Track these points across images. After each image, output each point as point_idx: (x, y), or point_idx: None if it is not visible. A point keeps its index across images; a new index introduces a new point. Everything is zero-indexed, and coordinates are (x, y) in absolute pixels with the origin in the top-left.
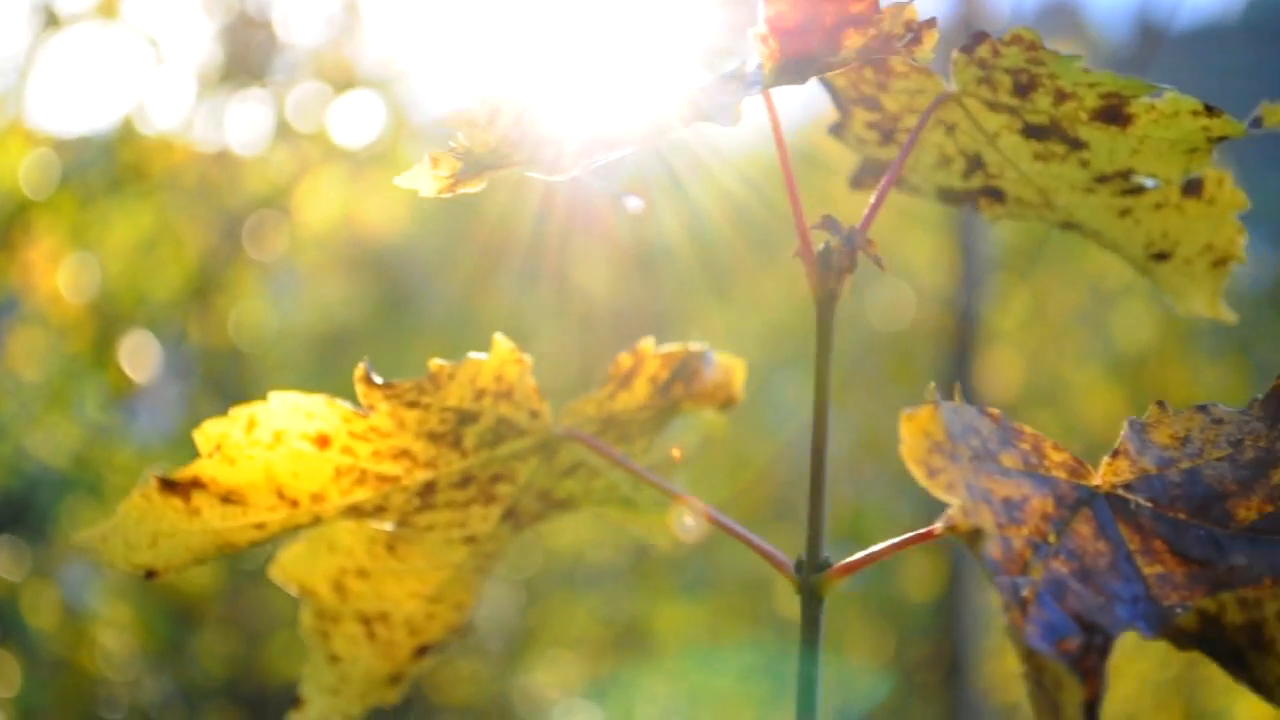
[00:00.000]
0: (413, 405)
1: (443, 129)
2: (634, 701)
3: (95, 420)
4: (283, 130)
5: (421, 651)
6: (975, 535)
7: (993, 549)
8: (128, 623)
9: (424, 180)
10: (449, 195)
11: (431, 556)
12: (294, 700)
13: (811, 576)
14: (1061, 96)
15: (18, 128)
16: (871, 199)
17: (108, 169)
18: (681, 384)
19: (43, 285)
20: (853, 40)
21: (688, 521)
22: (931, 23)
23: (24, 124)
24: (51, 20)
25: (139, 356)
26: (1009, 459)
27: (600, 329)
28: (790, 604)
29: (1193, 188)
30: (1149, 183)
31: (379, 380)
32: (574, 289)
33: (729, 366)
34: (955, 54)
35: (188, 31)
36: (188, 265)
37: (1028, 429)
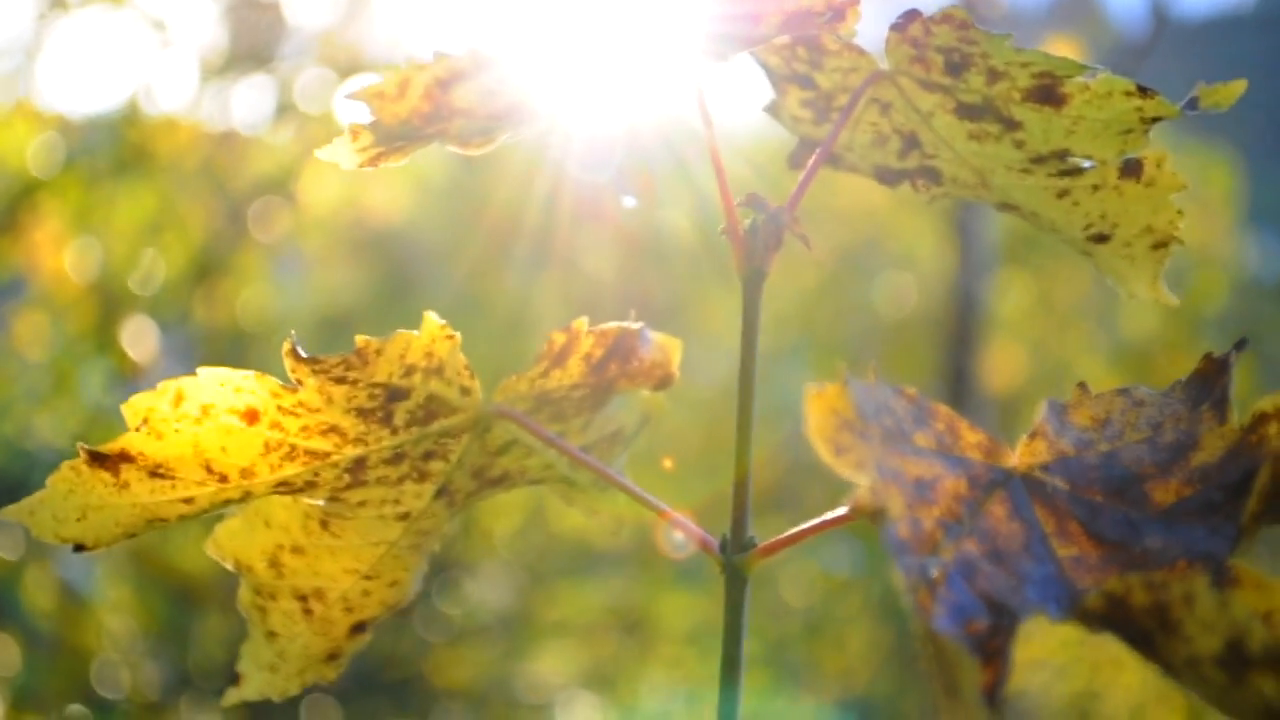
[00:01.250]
0: (340, 381)
1: (355, 100)
2: (636, 689)
3: (98, 402)
4: (288, 113)
5: (358, 629)
6: (879, 515)
7: (902, 529)
8: (128, 604)
9: (343, 154)
10: (371, 169)
11: (365, 533)
12: (231, 676)
13: (735, 556)
14: (994, 76)
15: (24, 108)
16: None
17: (113, 150)
18: (617, 362)
19: (48, 266)
20: (772, 19)
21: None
22: (854, 2)
23: (31, 104)
24: (59, 1)
25: (142, 338)
26: (923, 439)
27: (605, 316)
28: (793, 592)
29: (1131, 169)
30: (1085, 164)
31: (304, 355)
32: (580, 275)
33: (666, 345)
34: (888, 32)
35: (194, 13)
36: (192, 247)
37: (943, 408)
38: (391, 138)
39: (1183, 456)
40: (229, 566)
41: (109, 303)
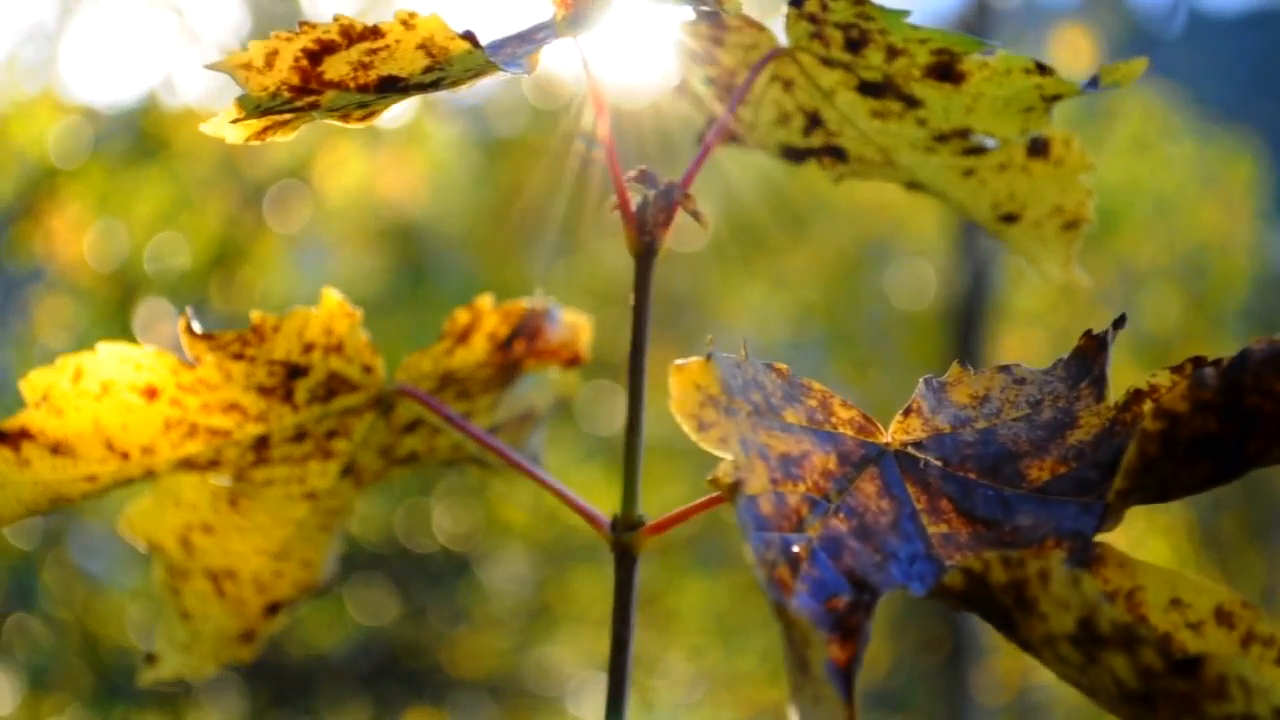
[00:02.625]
0: (238, 357)
1: (220, 70)
2: (654, 678)
3: None
4: None
5: (272, 609)
6: (734, 490)
7: (764, 505)
8: (145, 591)
9: (227, 129)
10: (257, 143)
11: (273, 513)
12: (146, 657)
13: (624, 535)
14: (893, 53)
15: (47, 96)
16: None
17: (133, 139)
18: (524, 341)
19: (67, 253)
20: None
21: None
22: None
23: (53, 93)
24: None
25: (155, 324)
26: (793, 415)
27: (623, 305)
28: None
29: (1038, 148)
30: (988, 142)
31: (200, 331)
32: (600, 264)
33: (575, 324)
34: (787, 8)
35: (214, 1)
36: (209, 235)
37: (817, 385)
38: (258, 109)
39: (1059, 434)
40: (141, 548)
41: (127, 289)
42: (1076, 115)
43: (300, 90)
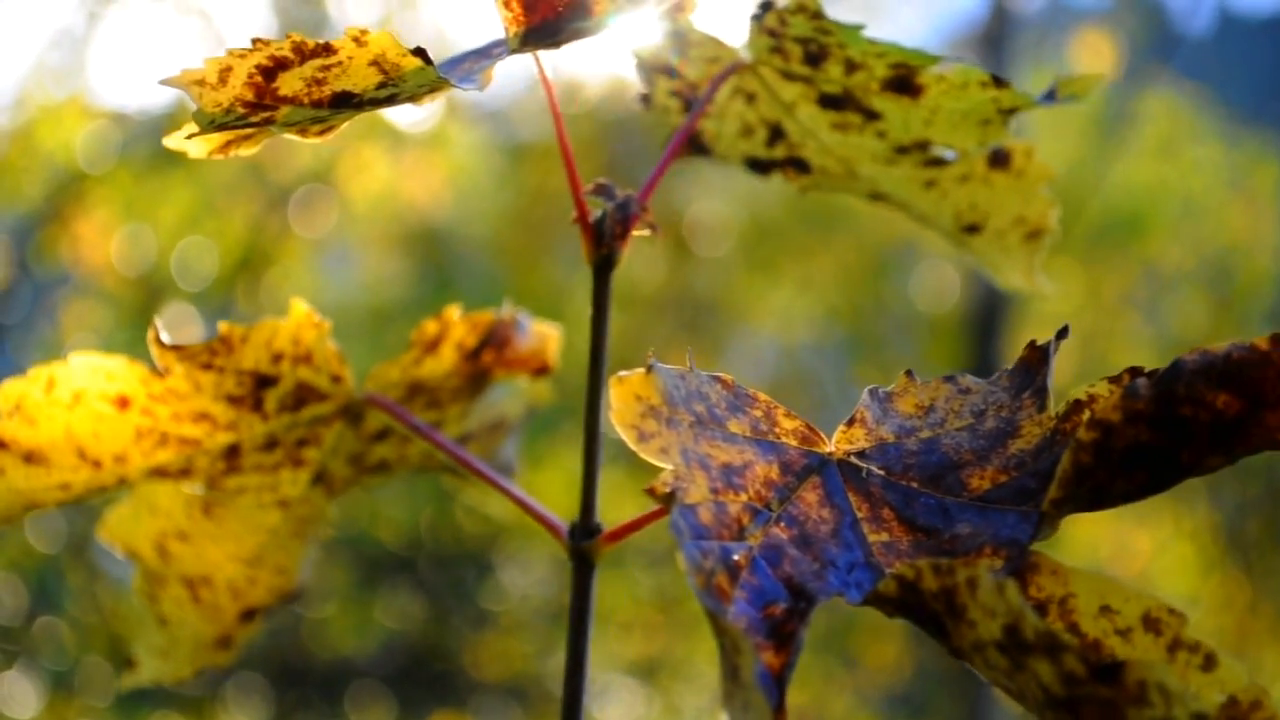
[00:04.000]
0: (207, 367)
1: (173, 86)
2: (679, 682)
3: None
4: None
5: (247, 615)
6: (669, 500)
7: (704, 514)
8: None
9: (190, 142)
10: (221, 157)
11: (246, 520)
12: (125, 662)
13: (582, 542)
14: (852, 66)
15: (75, 102)
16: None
17: (159, 144)
18: (492, 351)
19: (94, 258)
20: (603, 6)
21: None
22: None
23: (81, 98)
24: None
25: (179, 329)
26: (737, 425)
27: (648, 309)
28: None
29: (999, 159)
30: (947, 154)
31: (168, 341)
32: (623, 269)
33: (543, 334)
34: (748, 23)
35: (240, 5)
36: (234, 239)
37: (762, 396)
38: (213, 125)
39: (1001, 444)
40: (118, 554)
41: (152, 294)
42: (1102, 118)
43: (255, 106)
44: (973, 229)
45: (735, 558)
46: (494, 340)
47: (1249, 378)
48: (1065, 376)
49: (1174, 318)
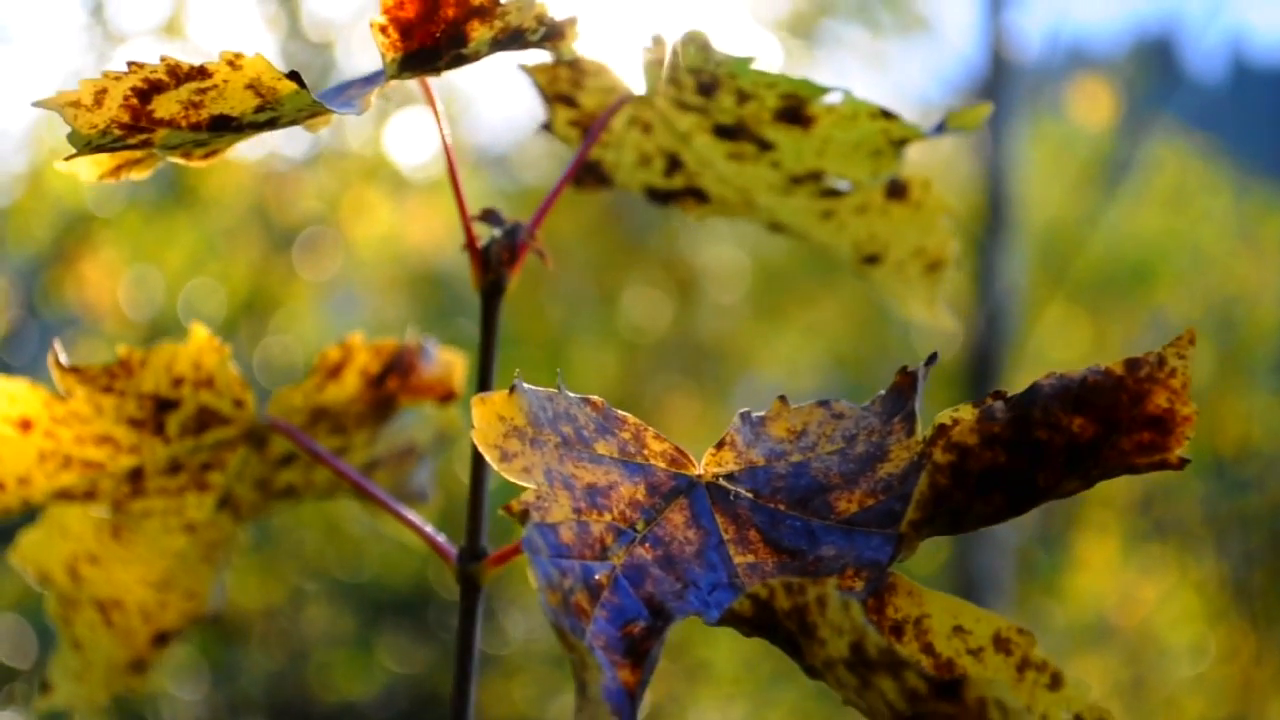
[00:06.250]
0: (108, 391)
1: (46, 107)
2: None
3: None
4: (336, 149)
5: (160, 639)
6: (523, 518)
7: (565, 533)
8: None
9: (80, 165)
10: (113, 181)
11: (153, 544)
12: (39, 686)
13: (469, 565)
14: (743, 97)
15: None
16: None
17: (165, 186)
18: (397, 377)
19: (100, 299)
20: (479, 33)
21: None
22: (572, 20)
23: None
24: (110, 35)
25: None
26: (604, 447)
27: (650, 354)
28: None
29: (896, 191)
30: (841, 185)
31: (68, 364)
32: (623, 309)
33: (449, 361)
34: (642, 54)
35: (249, 49)
36: (239, 282)
37: (631, 419)
38: (88, 147)
39: (870, 468)
40: (31, 578)
41: (158, 336)
42: (1108, 166)
43: (131, 128)
44: (872, 260)
45: (597, 577)
46: (398, 367)
47: (1104, 402)
48: None
49: None
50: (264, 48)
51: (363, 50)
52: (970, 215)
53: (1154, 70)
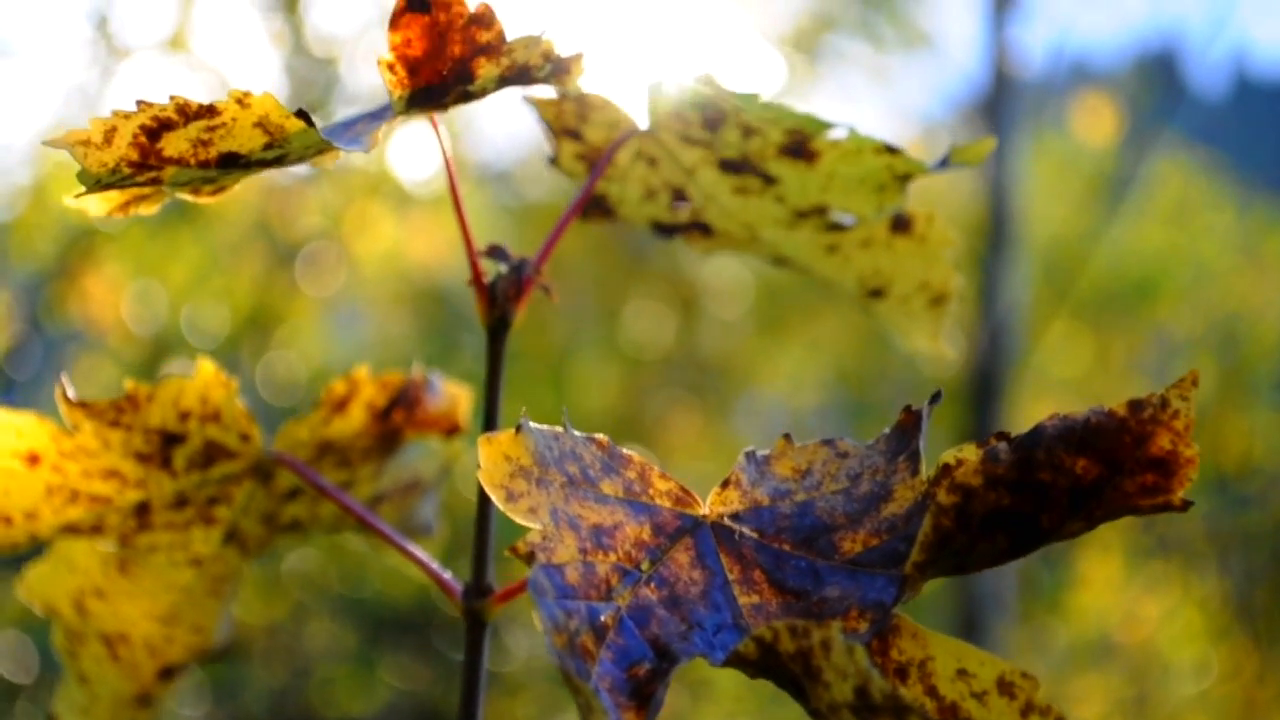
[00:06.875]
0: (115, 425)
1: (57, 147)
2: None
3: None
4: (339, 164)
5: (166, 673)
6: (530, 560)
7: (571, 574)
8: None
9: (89, 202)
10: (121, 216)
11: (159, 578)
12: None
13: (475, 602)
14: (748, 132)
15: None
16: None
17: (169, 201)
18: (403, 411)
19: (104, 314)
20: (486, 70)
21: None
22: (578, 57)
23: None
24: (115, 50)
25: None
26: (610, 486)
27: (653, 370)
28: None
29: (901, 225)
30: (846, 219)
31: (75, 399)
32: (626, 327)
33: (454, 394)
34: (647, 90)
35: (253, 66)
36: (243, 297)
37: (637, 457)
38: (98, 185)
39: (874, 507)
40: (38, 611)
41: (162, 350)
42: (1111, 182)
43: (140, 166)
44: (877, 294)
45: (603, 618)
46: (404, 401)
47: (1107, 444)
48: None
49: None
50: (269, 63)
51: (367, 65)
52: (973, 231)
53: (1157, 85)
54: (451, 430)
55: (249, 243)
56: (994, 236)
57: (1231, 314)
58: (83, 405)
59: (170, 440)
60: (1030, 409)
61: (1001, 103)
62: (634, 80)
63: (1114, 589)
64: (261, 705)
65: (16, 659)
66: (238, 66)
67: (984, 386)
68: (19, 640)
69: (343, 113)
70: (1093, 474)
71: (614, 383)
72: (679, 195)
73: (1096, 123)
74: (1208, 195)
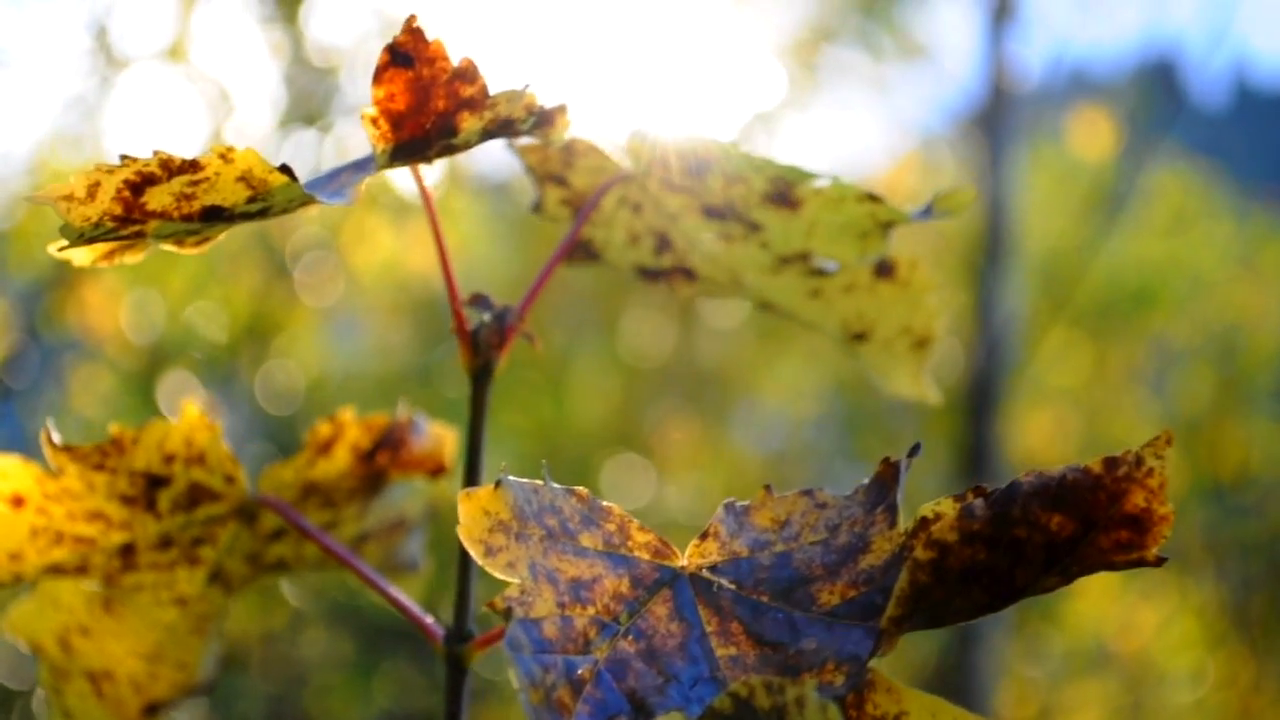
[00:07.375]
0: (99, 468)
1: (40, 202)
2: None
3: None
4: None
5: (150, 710)
6: (506, 616)
7: (548, 628)
8: None
9: (76, 254)
10: (106, 264)
11: (144, 617)
12: None
13: (456, 646)
14: (731, 179)
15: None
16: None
17: None
18: (388, 452)
19: (101, 324)
20: (470, 124)
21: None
22: (562, 108)
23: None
24: (114, 60)
25: (179, 396)
26: (589, 539)
27: (650, 380)
28: None
29: (884, 270)
30: (829, 265)
31: (60, 443)
32: (625, 340)
33: (439, 435)
34: (629, 137)
35: (252, 75)
36: (241, 306)
37: (616, 509)
38: (82, 239)
39: (852, 559)
40: (23, 649)
41: (159, 360)
42: (1110, 191)
43: (124, 220)
44: (860, 337)
45: (580, 671)
46: (389, 442)
47: (1082, 501)
48: (1071, 451)
49: (1180, 393)
50: (268, 73)
51: (366, 76)
52: (970, 242)
53: (1156, 96)
54: (437, 471)
55: (247, 252)
56: (991, 247)
57: (1230, 324)
58: (67, 449)
59: (155, 483)
60: (1027, 419)
61: (999, 114)
62: (619, 126)
63: (1110, 597)
64: (258, 713)
65: (11, 665)
66: (237, 77)
67: (981, 397)
68: (13, 647)
69: (342, 124)
70: (1068, 530)
71: (612, 392)
72: (663, 240)
73: (1095, 133)
74: (1206, 205)
